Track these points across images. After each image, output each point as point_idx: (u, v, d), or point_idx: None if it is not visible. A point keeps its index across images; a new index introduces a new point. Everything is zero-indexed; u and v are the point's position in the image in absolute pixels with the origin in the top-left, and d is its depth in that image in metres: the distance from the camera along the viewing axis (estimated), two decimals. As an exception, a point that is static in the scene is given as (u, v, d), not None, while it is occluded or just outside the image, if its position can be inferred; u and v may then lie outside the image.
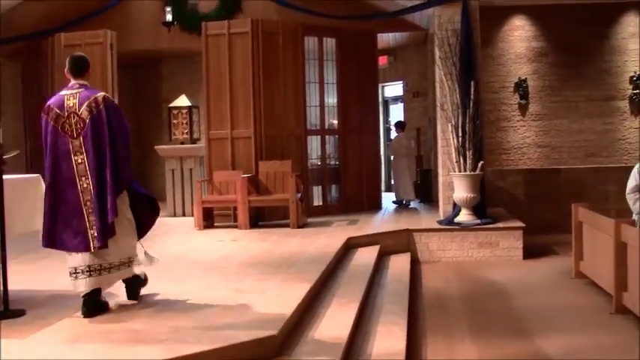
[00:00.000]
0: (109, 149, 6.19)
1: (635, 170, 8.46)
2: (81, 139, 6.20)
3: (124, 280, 6.62)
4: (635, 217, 8.15)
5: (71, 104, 6.24)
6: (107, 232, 6.15)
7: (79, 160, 6.20)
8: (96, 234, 6.12)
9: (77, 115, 6.20)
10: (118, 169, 6.25)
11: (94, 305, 6.15)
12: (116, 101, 13.18)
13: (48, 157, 6.23)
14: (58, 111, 6.23)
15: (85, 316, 6.03)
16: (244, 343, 5.27)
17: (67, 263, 6.29)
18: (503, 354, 6.84)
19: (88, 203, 6.16)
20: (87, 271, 6.16)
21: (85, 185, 6.19)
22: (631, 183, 8.19)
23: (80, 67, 6.57)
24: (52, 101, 6.35)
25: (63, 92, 6.38)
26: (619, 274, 8.00)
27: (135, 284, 6.76)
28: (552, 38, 15.04)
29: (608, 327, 7.69)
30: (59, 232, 6.18)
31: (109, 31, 13.67)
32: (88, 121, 6.18)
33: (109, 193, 6.15)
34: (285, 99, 13.54)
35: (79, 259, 6.18)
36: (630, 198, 8.13)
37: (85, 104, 6.21)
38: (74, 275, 6.20)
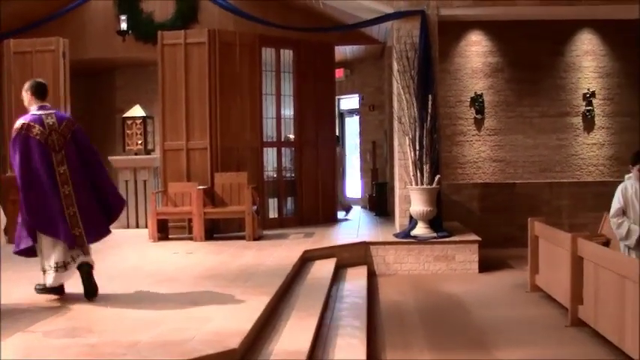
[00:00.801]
0: (91, 161, 7.41)
1: (618, 192, 8.44)
2: (63, 152, 7.14)
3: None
4: (621, 243, 8.11)
5: (51, 122, 7.18)
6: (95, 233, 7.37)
7: (62, 171, 7.11)
8: (82, 233, 7.19)
9: (58, 132, 7.17)
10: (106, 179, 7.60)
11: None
12: (69, 110, 13.10)
13: (28, 168, 7.07)
14: (40, 128, 7.11)
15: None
16: (204, 357, 5.17)
17: (44, 262, 7.20)
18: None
19: (70, 207, 7.08)
20: (62, 266, 7.17)
21: (67, 192, 7.11)
22: (615, 205, 8.14)
23: (44, 92, 7.46)
24: (29, 119, 7.16)
25: (37, 112, 7.24)
26: (575, 288, 8.09)
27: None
28: (508, 54, 15.17)
29: (564, 339, 7.74)
30: (44, 226, 7.13)
31: (61, 38, 13.41)
32: (68, 137, 7.20)
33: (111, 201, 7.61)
34: (242, 110, 13.44)
35: (60, 255, 7.14)
36: (614, 222, 8.07)
37: (64, 123, 7.27)
38: (54, 269, 7.15)
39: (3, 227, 7.09)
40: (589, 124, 15.19)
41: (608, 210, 9.61)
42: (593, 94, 15.12)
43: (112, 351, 5.25)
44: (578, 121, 15.22)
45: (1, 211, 7.09)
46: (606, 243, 9.26)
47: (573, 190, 14.78)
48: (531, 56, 15.12)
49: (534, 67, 15.15)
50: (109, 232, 7.69)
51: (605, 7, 12.81)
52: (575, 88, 15.22)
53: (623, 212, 7.95)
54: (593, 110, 15.12)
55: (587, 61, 15.24)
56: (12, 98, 13.08)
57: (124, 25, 14.98)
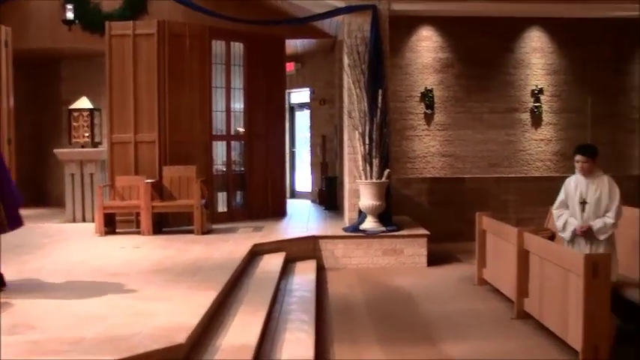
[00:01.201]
0: None
1: (564, 185, 8.48)
2: None
3: None
4: (561, 234, 8.17)
5: None
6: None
7: None
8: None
9: None
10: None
11: None
12: (12, 101, 12.87)
13: None
14: None
15: None
16: (150, 352, 5.11)
17: None
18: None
19: None
20: None
21: None
22: (559, 197, 8.20)
23: None
24: None
25: None
26: (521, 281, 8.21)
27: None
28: (459, 50, 15.26)
29: (510, 332, 7.84)
30: None
31: (3, 26, 13.12)
32: None
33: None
34: (191, 103, 13.33)
35: None
36: (555, 214, 8.14)
37: None
38: None
39: None
40: (537, 120, 15.36)
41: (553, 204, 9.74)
42: (541, 91, 15.30)
43: (55, 348, 5.15)
44: (526, 117, 15.39)
45: None
46: (552, 237, 9.35)
47: (520, 185, 14.94)
48: (481, 52, 15.25)
49: (484, 64, 15.28)
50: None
51: (554, 6, 13.03)
52: (524, 84, 15.39)
53: (567, 206, 8.02)
54: (540, 106, 15.31)
55: (536, 58, 15.41)
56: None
57: (70, 15, 14.69)
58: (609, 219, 7.49)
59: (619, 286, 7.34)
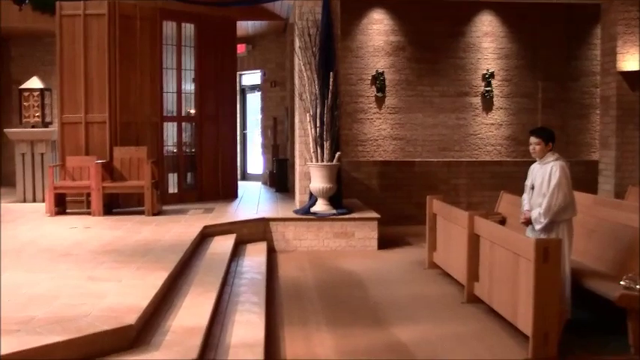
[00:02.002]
0: None
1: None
2: None
3: None
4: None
5: None
6: None
7: None
8: None
9: None
10: None
11: None
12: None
13: None
14: None
15: None
16: (100, 333, 5.15)
17: None
18: (358, 342, 6.94)
19: None
20: None
21: None
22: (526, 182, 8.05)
23: None
24: None
25: None
26: (471, 265, 8.23)
27: None
28: (410, 33, 15.33)
29: (460, 316, 7.90)
30: None
31: (-45, 7, 13.04)
32: None
33: None
34: (142, 84, 13.28)
35: None
36: (523, 198, 7.99)
37: None
38: None
39: None
40: (488, 104, 15.51)
41: (505, 189, 9.86)
42: (492, 75, 15.44)
43: (5, 327, 5.14)
44: (477, 101, 15.52)
45: None
46: (502, 221, 9.47)
47: (471, 169, 15.07)
48: (432, 36, 15.34)
49: (435, 47, 15.38)
50: None
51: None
52: (475, 68, 15.51)
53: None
54: (492, 91, 15.44)
55: (487, 42, 15.53)
56: None
57: (21, -6, 14.55)
58: (541, 208, 7.24)
59: (574, 273, 7.37)
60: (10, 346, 4.70)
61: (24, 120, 14.32)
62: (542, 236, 7.19)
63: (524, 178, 7.83)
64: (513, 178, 14.19)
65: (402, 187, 14.74)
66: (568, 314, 7.11)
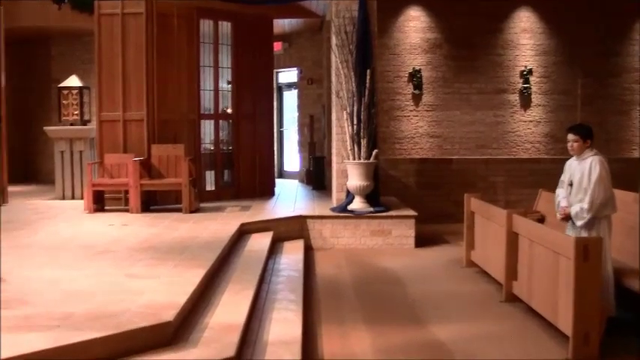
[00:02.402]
0: None
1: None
2: None
3: None
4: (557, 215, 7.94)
5: None
6: None
7: None
8: None
9: None
10: None
11: None
12: (3, 79, 12.88)
13: None
14: None
15: None
16: (138, 329, 5.17)
17: None
18: (396, 341, 6.90)
19: None
20: None
21: None
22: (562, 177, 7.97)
23: None
24: None
25: None
26: (509, 264, 8.14)
27: None
28: (447, 30, 15.26)
29: (498, 315, 7.82)
30: None
31: (-5, 5, 13.19)
32: None
33: None
34: (179, 82, 13.34)
35: None
36: (557, 194, 7.91)
37: None
38: None
39: None
40: (526, 101, 15.39)
41: (544, 187, 9.75)
42: (530, 72, 15.32)
43: (45, 323, 5.20)
44: (515, 98, 15.41)
45: None
46: (541, 220, 9.37)
47: (509, 166, 14.96)
48: (470, 33, 15.25)
49: (472, 44, 15.29)
50: None
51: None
52: (513, 65, 15.39)
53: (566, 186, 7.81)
54: (530, 88, 15.32)
55: (525, 38, 15.40)
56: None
57: (59, -7, 14.69)
58: (584, 204, 7.15)
59: (617, 273, 7.24)
60: (49, 341, 4.73)
61: (63, 118, 14.46)
62: (584, 233, 7.11)
63: (563, 175, 7.75)
64: (552, 176, 13.87)
65: (440, 185, 14.66)
66: (612, 312, 6.99)
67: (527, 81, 15.31)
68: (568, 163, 7.65)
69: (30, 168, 18.71)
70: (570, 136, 7.42)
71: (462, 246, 10.47)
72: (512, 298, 8.13)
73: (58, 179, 14.26)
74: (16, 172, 16.61)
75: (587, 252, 6.23)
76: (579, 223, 7.19)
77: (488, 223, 9.28)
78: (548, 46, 15.44)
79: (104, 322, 5.23)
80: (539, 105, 15.45)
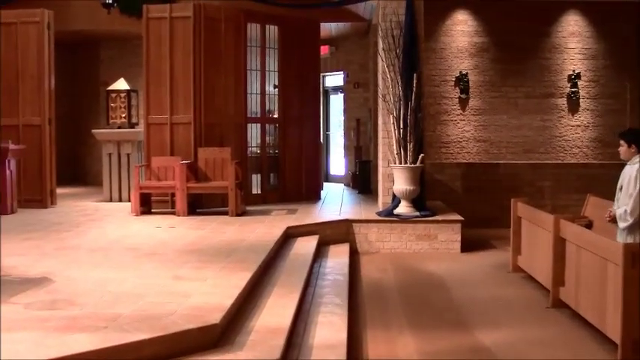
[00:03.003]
0: None
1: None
2: None
3: None
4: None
5: None
6: None
7: None
8: None
9: None
10: None
11: None
12: (53, 82, 13.07)
13: None
14: None
15: None
16: (185, 331, 5.18)
17: None
18: (441, 346, 6.87)
19: None
20: None
21: None
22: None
23: None
24: None
25: None
26: (557, 269, 8.06)
27: None
28: (494, 34, 15.13)
29: (545, 321, 7.75)
30: None
31: (46, 10, 13.34)
32: None
33: None
34: (226, 86, 13.41)
35: None
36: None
37: None
38: None
39: None
40: (573, 105, 15.20)
41: (592, 192, 9.64)
42: (578, 76, 15.12)
43: (92, 324, 5.24)
44: (562, 102, 15.23)
45: None
46: (589, 225, 9.27)
47: (556, 171, 14.84)
48: (517, 36, 15.09)
49: (520, 48, 15.13)
50: None
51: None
52: (560, 69, 15.21)
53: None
54: (578, 92, 15.12)
55: (573, 42, 15.21)
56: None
57: (109, -2, 14.83)
58: (627, 206, 7.25)
59: None
60: (97, 342, 4.77)
61: (111, 121, 14.64)
62: (629, 239, 7.07)
63: (612, 180, 7.73)
64: (600, 181, 13.93)
65: (486, 190, 14.57)
66: None
67: (575, 85, 15.11)
68: (624, 168, 7.67)
69: (78, 170, 18.94)
70: (620, 141, 7.48)
71: (509, 251, 10.39)
72: (559, 304, 8.05)
73: (105, 181, 14.43)
74: (65, 174, 16.82)
75: (636, 258, 6.14)
76: (622, 225, 7.25)
77: (535, 228, 9.19)
78: (597, 50, 15.23)
79: (151, 324, 5.26)
80: (588, 109, 15.25)
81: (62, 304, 5.85)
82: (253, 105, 14.12)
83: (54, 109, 13.45)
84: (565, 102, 15.20)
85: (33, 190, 13.09)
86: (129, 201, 13.06)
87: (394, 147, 11.96)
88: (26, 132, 13.11)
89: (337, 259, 10.28)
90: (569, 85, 15.14)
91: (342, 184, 18.17)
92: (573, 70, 15.12)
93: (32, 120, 13.16)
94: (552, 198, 14.61)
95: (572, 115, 15.22)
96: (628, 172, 7.44)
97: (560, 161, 15.12)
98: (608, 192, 7.75)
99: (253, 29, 13.97)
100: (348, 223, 11.89)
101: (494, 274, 10.15)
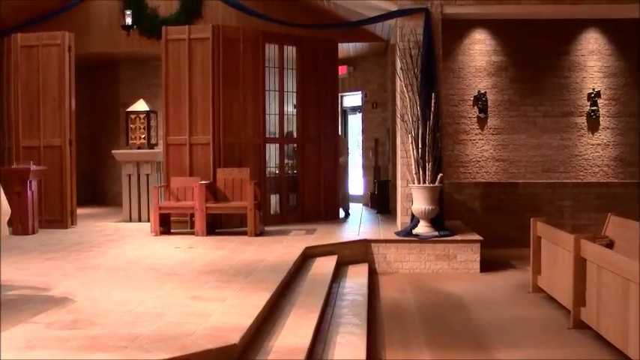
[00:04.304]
0: None
1: None
2: None
3: None
4: None
5: None
6: None
7: None
8: None
9: None
10: None
11: None
12: (73, 104, 13.20)
13: None
14: None
15: None
16: (204, 351, 5.19)
17: None
18: (462, 367, 6.84)
19: None
20: None
21: None
22: None
23: None
24: None
25: None
26: (577, 290, 8.01)
27: None
28: (512, 53, 15.11)
29: (566, 341, 7.69)
30: None
31: (67, 32, 13.50)
32: None
33: None
34: (245, 106, 13.47)
35: None
36: None
37: None
38: None
39: (6, 219, 7.12)
40: (593, 124, 15.12)
41: (612, 211, 9.59)
42: (598, 94, 15.05)
43: (113, 343, 5.27)
44: (582, 121, 15.15)
45: (6, 202, 7.13)
46: (610, 245, 9.22)
47: (576, 190, 14.76)
48: (536, 55, 15.06)
49: (538, 67, 15.09)
50: None
51: (608, 7, 12.71)
52: (580, 87, 15.15)
53: None
54: (597, 110, 15.04)
55: (593, 60, 15.14)
56: (18, 91, 13.33)
57: (129, 20, 14.95)
58: None
59: None
60: (117, 362, 4.79)
61: (130, 142, 14.73)
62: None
63: (633, 199, 7.69)
64: (621, 200, 13.88)
65: (505, 209, 14.53)
66: None
67: (594, 103, 15.05)
68: None
69: (97, 190, 19.06)
70: None
71: (528, 271, 10.31)
72: (581, 325, 7.98)
73: (125, 202, 14.51)
74: (84, 194, 16.93)
75: (658, 279, 6.09)
76: None
77: (556, 247, 9.14)
78: (617, 68, 15.17)
79: (171, 344, 5.27)
80: (608, 128, 15.17)
81: (83, 324, 5.88)
82: (272, 125, 14.16)
83: (74, 130, 13.57)
84: (585, 120, 15.12)
85: (54, 210, 13.18)
86: (148, 221, 13.11)
87: (413, 167, 11.96)
88: (47, 153, 13.23)
89: (356, 279, 10.26)
90: (588, 104, 15.06)
91: (361, 204, 18.15)
92: (593, 89, 15.06)
93: (53, 141, 13.28)
94: (572, 217, 14.53)
95: (592, 133, 15.15)
96: None
97: (580, 180, 15.03)
98: (629, 211, 7.74)
99: (271, 50, 14.03)
100: (366, 243, 11.88)
101: (514, 294, 10.09)
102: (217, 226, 12.83)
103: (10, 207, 7.50)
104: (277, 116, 14.20)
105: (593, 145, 15.11)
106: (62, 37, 13.42)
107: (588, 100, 15.05)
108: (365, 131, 18.64)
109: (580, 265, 7.99)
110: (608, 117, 15.12)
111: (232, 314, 6.34)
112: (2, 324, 5.80)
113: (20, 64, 13.42)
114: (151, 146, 14.70)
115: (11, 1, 14.22)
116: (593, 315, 7.65)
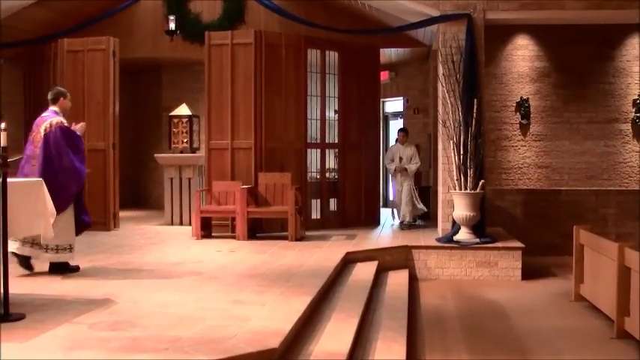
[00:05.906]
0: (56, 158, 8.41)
1: None
2: (37, 149, 8.44)
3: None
4: None
5: (39, 123, 8.60)
6: None
7: (33, 163, 8.42)
8: None
9: (39, 132, 8.49)
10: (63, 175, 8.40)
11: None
12: (117, 108, 13.33)
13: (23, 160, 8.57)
14: (33, 127, 8.67)
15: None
16: (245, 355, 5.21)
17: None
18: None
19: None
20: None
21: None
22: None
23: (52, 98, 8.89)
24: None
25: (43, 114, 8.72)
26: (621, 299, 7.92)
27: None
28: (555, 58, 14.98)
29: (610, 352, 7.61)
30: None
31: (111, 37, 13.67)
32: (42, 136, 8.42)
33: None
34: (286, 111, 13.51)
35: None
36: None
37: (43, 125, 8.49)
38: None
39: (52, 220, 7.20)
40: (639, 131, 14.94)
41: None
42: (643, 101, 14.87)
43: (153, 345, 5.31)
44: (627, 127, 14.96)
45: (52, 204, 7.21)
46: (654, 254, 9.12)
47: (621, 198, 14.58)
48: (579, 61, 14.90)
49: (582, 72, 14.93)
50: None
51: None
52: (625, 93, 14.96)
53: None
54: (643, 117, 14.86)
55: (638, 66, 14.95)
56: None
57: (172, 25, 15.13)
58: None
59: None
60: (159, 364, 4.84)
61: (173, 146, 14.83)
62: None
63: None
64: (666, 208, 13.69)
65: (548, 217, 14.40)
66: None
67: (639, 110, 14.87)
68: None
69: (139, 193, 19.24)
70: None
71: (571, 279, 10.22)
72: (625, 335, 7.89)
73: (167, 205, 14.62)
74: (126, 197, 17.07)
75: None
76: None
77: (599, 256, 9.04)
78: (663, 74, 14.99)
79: (211, 347, 5.31)
80: (654, 135, 14.99)
81: (124, 325, 5.94)
82: (313, 130, 14.19)
83: (118, 134, 13.71)
84: (629, 127, 14.93)
85: (97, 213, 13.26)
86: (189, 225, 13.19)
87: (454, 173, 11.92)
88: (91, 156, 13.27)
89: (396, 285, 10.23)
90: (633, 110, 14.84)
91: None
92: (638, 95, 14.88)
93: (97, 145, 13.42)
94: (616, 225, 14.36)
95: (638, 140, 14.95)
96: None
97: (624, 188, 14.85)
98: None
99: (313, 55, 14.07)
100: (407, 249, 11.86)
101: (556, 303, 10.01)
102: (258, 230, 12.88)
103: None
104: (319, 121, 14.22)
105: (638, 152, 14.91)
106: (107, 42, 13.58)
107: (633, 107, 14.84)
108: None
109: (624, 273, 7.91)
110: (654, 124, 14.91)
111: (273, 318, 6.36)
112: (47, 323, 5.91)
113: (66, 69, 13.61)
114: (193, 150, 14.80)
115: (58, 7, 14.41)
116: (638, 325, 7.54)
